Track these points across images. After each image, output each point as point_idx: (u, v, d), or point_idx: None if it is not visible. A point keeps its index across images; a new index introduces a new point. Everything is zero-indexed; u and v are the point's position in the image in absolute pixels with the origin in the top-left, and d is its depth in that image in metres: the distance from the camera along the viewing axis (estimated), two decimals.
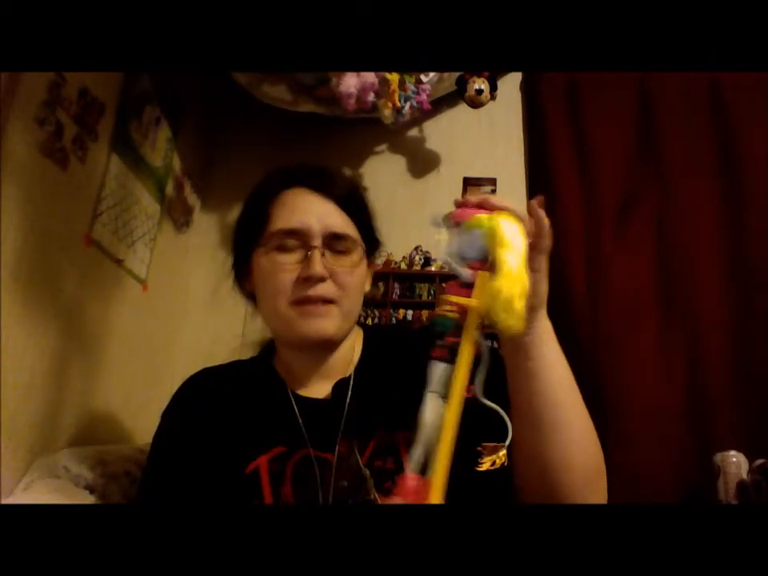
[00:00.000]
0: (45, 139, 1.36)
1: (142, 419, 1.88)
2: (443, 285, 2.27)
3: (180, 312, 2.26)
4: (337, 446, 0.79)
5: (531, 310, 0.62)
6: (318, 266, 0.80)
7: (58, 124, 1.40)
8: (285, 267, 0.82)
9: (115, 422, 1.76)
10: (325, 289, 0.81)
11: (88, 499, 1.18)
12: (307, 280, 0.80)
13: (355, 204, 0.90)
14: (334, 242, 0.84)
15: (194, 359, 0.94)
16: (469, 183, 2.38)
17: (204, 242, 2.37)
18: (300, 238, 0.83)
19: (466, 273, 0.56)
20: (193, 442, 0.82)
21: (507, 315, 0.52)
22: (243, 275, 0.92)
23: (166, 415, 0.88)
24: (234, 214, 2.53)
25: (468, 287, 0.55)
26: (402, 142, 2.42)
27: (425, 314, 2.27)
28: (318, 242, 0.82)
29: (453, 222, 0.58)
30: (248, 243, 0.88)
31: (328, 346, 0.86)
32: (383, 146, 2.43)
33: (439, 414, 0.52)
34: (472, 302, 0.54)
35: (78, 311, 1.55)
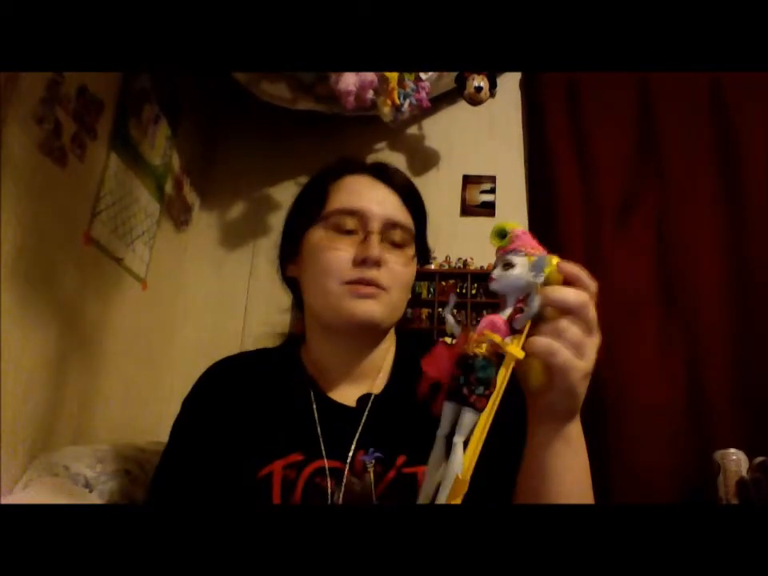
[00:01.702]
0: (43, 137, 1.35)
1: (141, 417, 1.88)
2: (443, 283, 2.27)
3: (179, 310, 2.26)
4: (353, 463, 0.77)
5: (563, 412, 0.58)
6: (376, 249, 0.78)
7: (56, 122, 1.40)
8: (340, 247, 0.80)
9: (114, 420, 1.76)
10: (378, 274, 0.79)
11: (87, 498, 1.17)
12: (363, 262, 0.78)
13: (416, 203, 0.89)
14: (391, 231, 0.82)
15: (194, 358, 0.93)
16: (468, 181, 2.38)
17: (203, 240, 2.37)
18: (359, 220, 0.81)
19: (519, 319, 0.52)
20: (210, 436, 0.80)
21: (535, 374, 0.51)
22: (290, 258, 0.89)
23: (187, 404, 0.85)
24: (234, 211, 2.56)
25: (512, 330, 0.52)
26: (401, 140, 2.42)
27: (424, 312, 2.27)
28: (377, 226, 0.81)
29: (512, 243, 0.53)
30: (302, 222, 0.86)
31: (372, 334, 0.84)
32: (382, 144, 2.43)
33: (457, 467, 0.49)
34: (520, 353, 0.51)
35: (77, 310, 1.55)
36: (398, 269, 0.82)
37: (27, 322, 1.33)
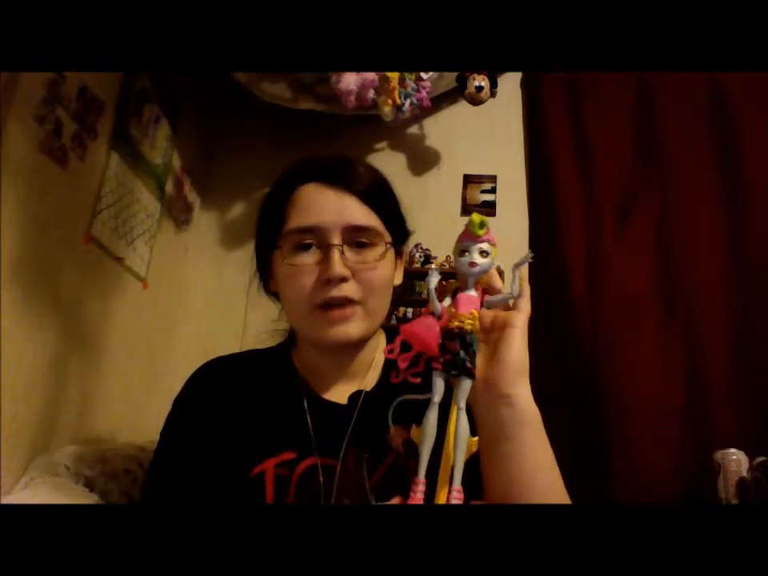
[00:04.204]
0: (44, 137, 1.36)
1: (141, 417, 1.89)
2: (443, 283, 2.27)
3: (180, 310, 2.26)
4: (346, 460, 0.77)
5: (511, 376, 0.61)
6: (337, 267, 0.76)
7: (57, 122, 1.40)
8: (303, 269, 0.77)
9: (115, 420, 1.76)
10: (348, 289, 0.77)
11: (88, 497, 1.18)
12: (329, 282, 0.76)
13: (377, 194, 0.84)
14: (354, 235, 0.79)
15: (194, 357, 0.92)
16: (469, 181, 2.38)
17: (204, 239, 2.37)
18: (317, 236, 0.78)
19: (494, 299, 0.62)
20: (202, 436, 0.80)
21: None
22: (266, 276, 0.88)
23: (178, 403, 0.85)
24: (234, 211, 2.56)
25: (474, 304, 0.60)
26: (401, 140, 2.42)
27: (425, 311, 2.27)
28: (336, 239, 0.77)
29: (486, 234, 0.60)
30: (267, 244, 0.84)
31: (352, 348, 0.84)
32: (383, 144, 2.43)
33: (467, 430, 0.56)
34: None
35: (77, 309, 1.55)
36: (368, 275, 0.79)
37: (28, 322, 1.33)
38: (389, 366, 0.88)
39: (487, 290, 0.63)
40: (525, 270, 0.65)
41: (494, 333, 0.64)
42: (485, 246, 0.60)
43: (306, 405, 0.82)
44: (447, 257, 2.27)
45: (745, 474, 1.59)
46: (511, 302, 0.64)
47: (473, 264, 0.59)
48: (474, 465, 0.57)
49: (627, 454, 1.81)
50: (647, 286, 2.00)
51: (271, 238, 0.82)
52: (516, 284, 0.62)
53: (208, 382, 0.86)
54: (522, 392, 0.62)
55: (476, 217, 0.59)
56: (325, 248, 0.78)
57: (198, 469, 0.78)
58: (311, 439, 0.79)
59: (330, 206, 0.80)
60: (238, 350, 0.94)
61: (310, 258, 0.78)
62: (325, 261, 0.77)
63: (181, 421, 0.83)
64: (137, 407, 1.89)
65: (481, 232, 0.59)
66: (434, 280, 0.63)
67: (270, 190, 0.88)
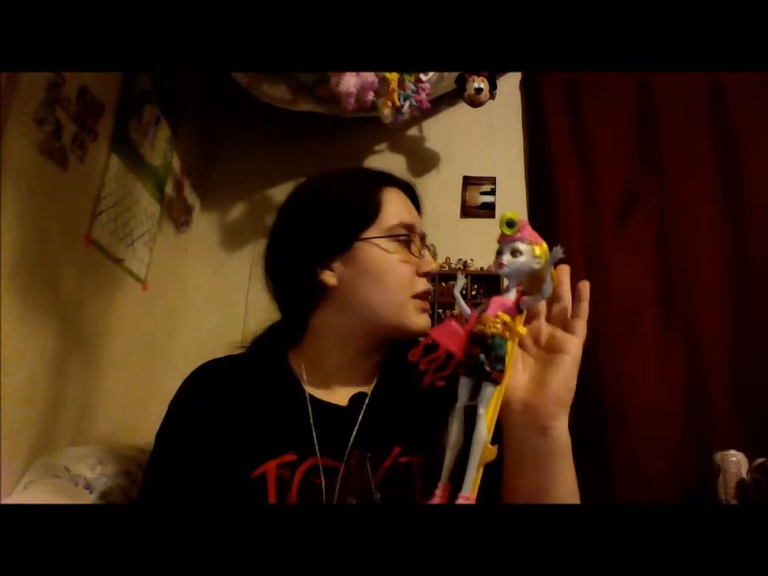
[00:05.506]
0: (44, 139, 1.35)
1: (141, 419, 1.88)
2: (443, 284, 2.27)
3: (179, 312, 2.26)
4: (349, 459, 0.78)
5: (553, 406, 0.60)
6: (434, 263, 0.89)
7: (57, 123, 1.40)
8: (407, 260, 0.86)
9: (115, 422, 1.76)
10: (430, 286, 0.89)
11: (88, 499, 1.17)
12: (426, 275, 0.87)
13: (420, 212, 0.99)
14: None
15: (194, 359, 0.92)
16: (468, 182, 2.38)
17: (204, 241, 2.37)
18: (413, 234, 0.89)
19: (527, 301, 0.59)
20: (199, 438, 0.80)
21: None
22: (327, 263, 0.86)
23: (173, 407, 0.84)
24: (235, 212, 2.55)
25: (517, 310, 0.58)
26: (401, 141, 2.42)
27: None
28: (423, 241, 0.91)
29: (519, 233, 0.58)
30: (353, 227, 0.86)
31: (399, 342, 0.89)
32: (383, 145, 2.43)
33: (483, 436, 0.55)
34: (524, 331, 0.59)
35: (77, 311, 1.55)
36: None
37: (28, 323, 1.33)
38: (387, 369, 0.89)
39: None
40: (587, 288, 0.64)
41: (547, 352, 0.62)
42: (518, 245, 0.58)
43: (308, 407, 0.82)
44: (447, 258, 2.27)
45: (744, 475, 1.59)
46: (550, 307, 0.65)
47: (500, 265, 0.58)
48: (489, 474, 0.56)
49: (627, 454, 1.81)
50: (647, 286, 2.00)
51: (363, 222, 0.86)
52: (548, 284, 0.58)
53: (205, 384, 0.85)
54: (560, 424, 0.61)
55: (506, 214, 0.58)
56: (420, 247, 0.90)
57: (198, 471, 0.78)
58: (312, 440, 0.79)
59: (415, 213, 0.94)
60: (237, 352, 0.94)
61: (408, 254, 0.88)
62: (423, 258, 0.89)
63: (178, 424, 0.83)
64: (137, 408, 1.88)
65: (509, 231, 0.57)
66: (459, 284, 0.63)
67: (357, 179, 0.94)
